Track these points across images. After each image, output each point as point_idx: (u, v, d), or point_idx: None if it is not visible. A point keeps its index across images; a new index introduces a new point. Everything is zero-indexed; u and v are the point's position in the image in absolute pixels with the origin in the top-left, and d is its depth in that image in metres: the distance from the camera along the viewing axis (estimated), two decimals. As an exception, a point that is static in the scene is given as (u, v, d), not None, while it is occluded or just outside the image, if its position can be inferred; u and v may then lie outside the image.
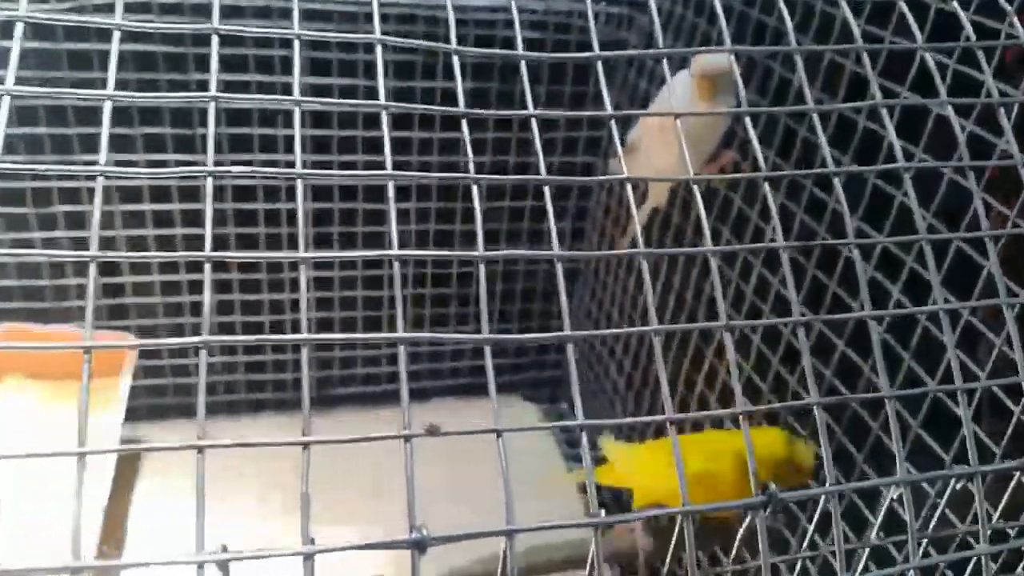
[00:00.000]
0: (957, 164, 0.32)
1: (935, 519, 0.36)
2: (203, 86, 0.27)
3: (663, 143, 0.66)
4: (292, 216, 0.83)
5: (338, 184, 0.83)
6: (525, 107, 0.30)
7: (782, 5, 0.34)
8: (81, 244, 0.80)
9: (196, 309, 0.86)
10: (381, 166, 0.27)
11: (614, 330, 0.86)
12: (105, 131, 0.26)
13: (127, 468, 0.80)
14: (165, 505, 0.77)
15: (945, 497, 0.30)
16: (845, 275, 0.52)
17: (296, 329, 0.26)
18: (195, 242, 0.81)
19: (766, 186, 0.30)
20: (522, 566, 0.49)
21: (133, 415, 0.86)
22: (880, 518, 0.32)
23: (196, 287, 0.85)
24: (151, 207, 0.80)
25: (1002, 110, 0.33)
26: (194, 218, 0.82)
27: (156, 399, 0.89)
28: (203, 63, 0.75)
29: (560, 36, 0.82)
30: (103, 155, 0.26)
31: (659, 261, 0.75)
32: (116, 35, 0.27)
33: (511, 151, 0.85)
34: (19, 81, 0.26)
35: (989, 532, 0.27)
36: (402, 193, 0.84)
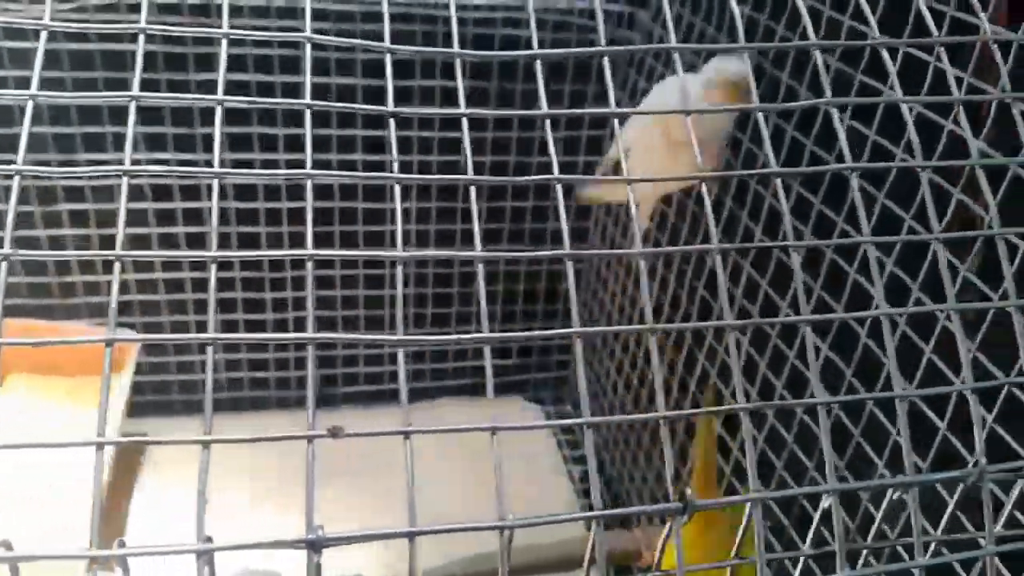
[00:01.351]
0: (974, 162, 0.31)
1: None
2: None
3: (666, 148, 0.65)
4: (293, 215, 0.84)
5: (338, 183, 0.83)
6: (526, 107, 0.30)
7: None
8: (85, 242, 0.81)
9: (200, 307, 0.87)
10: (380, 166, 0.27)
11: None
12: (130, 130, 0.26)
13: (128, 462, 0.81)
14: (166, 499, 0.78)
15: (883, 507, 0.29)
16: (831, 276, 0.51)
17: (298, 327, 0.26)
18: (199, 240, 0.83)
19: (778, 182, 0.30)
20: (516, 564, 0.49)
21: (138, 411, 0.88)
22: (813, 528, 0.31)
23: (200, 285, 0.86)
24: (153, 205, 0.82)
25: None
26: (195, 216, 0.83)
27: (161, 395, 0.91)
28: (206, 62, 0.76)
29: (559, 35, 0.81)
30: (128, 155, 0.26)
31: (656, 262, 0.75)
32: (142, 38, 0.27)
33: (511, 151, 0.85)
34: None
35: (930, 543, 0.26)
36: (402, 192, 0.84)
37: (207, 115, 0.78)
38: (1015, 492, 0.31)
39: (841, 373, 0.48)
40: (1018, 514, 0.32)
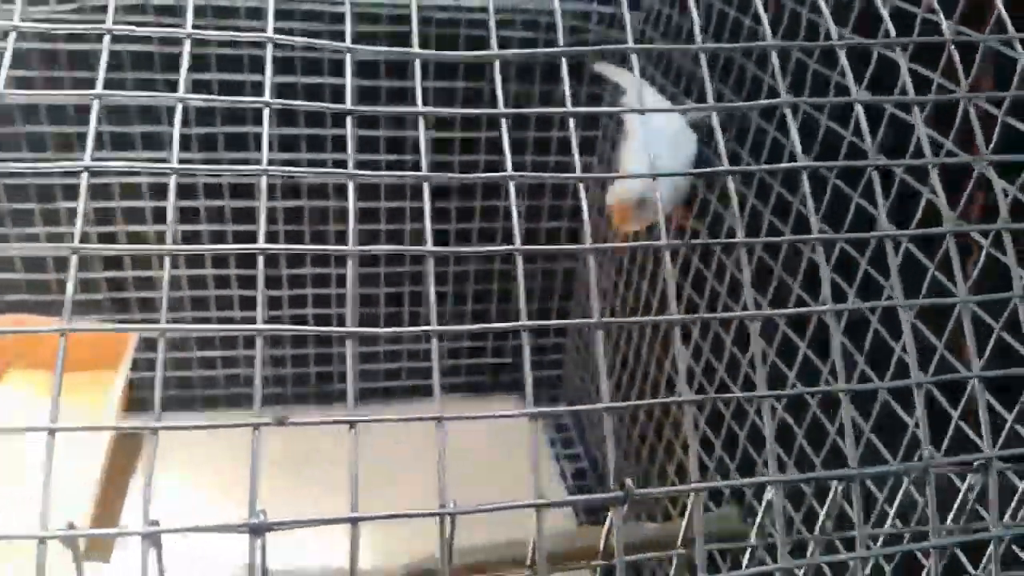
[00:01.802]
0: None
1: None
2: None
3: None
4: (321, 214, 0.86)
5: (361, 184, 0.84)
6: (519, 106, 0.31)
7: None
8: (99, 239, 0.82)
9: (197, 304, 0.88)
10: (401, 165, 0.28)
11: (637, 319, 0.85)
12: (177, 130, 0.27)
13: (124, 454, 0.82)
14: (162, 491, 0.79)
15: (829, 500, 0.30)
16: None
17: (340, 323, 0.27)
18: (195, 237, 0.84)
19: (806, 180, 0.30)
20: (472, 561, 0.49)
21: (136, 407, 0.89)
22: (758, 519, 0.32)
23: (197, 282, 0.87)
24: (205, 203, 0.83)
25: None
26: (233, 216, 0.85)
27: (182, 391, 0.92)
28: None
29: (549, 35, 0.82)
30: (175, 154, 0.27)
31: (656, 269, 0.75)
32: (107, 39, 0.28)
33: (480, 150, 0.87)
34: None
35: (872, 537, 0.27)
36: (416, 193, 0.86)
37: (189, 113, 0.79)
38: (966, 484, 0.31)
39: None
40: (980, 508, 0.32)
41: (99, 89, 0.28)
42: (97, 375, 0.81)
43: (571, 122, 0.32)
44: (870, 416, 0.45)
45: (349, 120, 0.30)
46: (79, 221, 0.27)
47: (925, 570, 0.35)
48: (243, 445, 0.25)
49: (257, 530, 0.24)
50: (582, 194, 0.32)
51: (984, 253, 0.37)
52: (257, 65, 0.75)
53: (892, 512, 0.31)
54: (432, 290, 0.28)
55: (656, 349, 0.76)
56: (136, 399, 0.88)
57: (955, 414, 0.39)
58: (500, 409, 1.04)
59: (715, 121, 0.32)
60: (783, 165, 0.32)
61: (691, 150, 0.65)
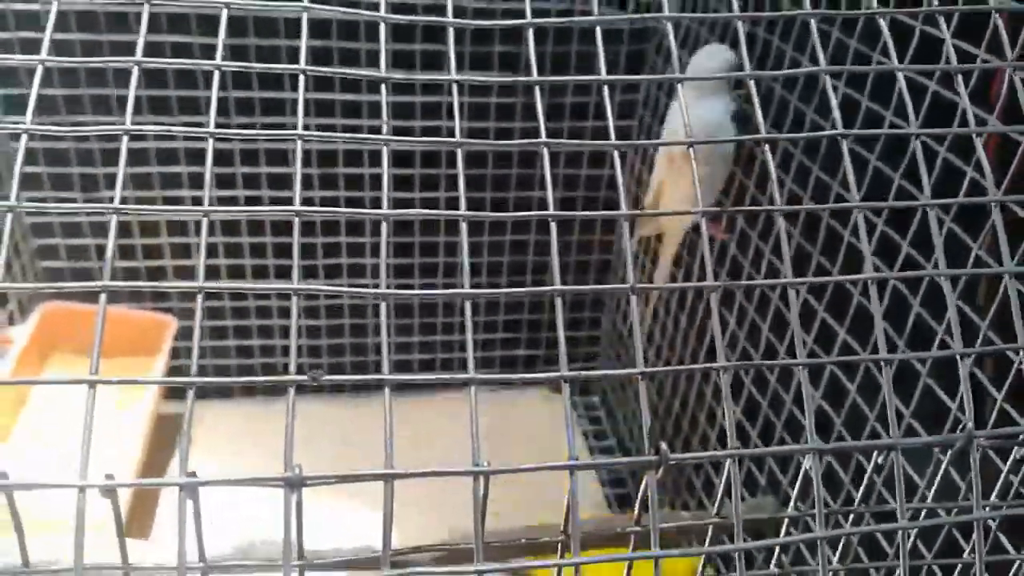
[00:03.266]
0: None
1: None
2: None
3: (676, 175, 0.68)
4: (356, 180, 0.86)
5: (396, 151, 0.84)
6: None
7: None
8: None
9: (257, 271, 0.90)
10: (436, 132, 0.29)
11: (675, 284, 0.84)
12: (215, 96, 0.28)
13: (163, 438, 0.83)
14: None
15: (803, 470, 0.29)
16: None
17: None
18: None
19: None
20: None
21: (175, 394, 0.90)
22: (795, 491, 0.31)
23: (234, 272, 0.88)
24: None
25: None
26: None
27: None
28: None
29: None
30: (212, 119, 0.28)
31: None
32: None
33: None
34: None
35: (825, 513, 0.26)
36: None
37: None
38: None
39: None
40: (1013, 478, 0.32)
41: (138, 56, 0.28)
42: (137, 361, 0.83)
43: (606, 90, 0.32)
44: (911, 399, 0.44)
45: (383, 87, 0.30)
46: (119, 183, 0.27)
47: (966, 551, 0.34)
48: (280, 432, 0.25)
49: (292, 483, 0.24)
50: (616, 163, 0.32)
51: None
52: (294, 29, 0.76)
53: (931, 494, 0.31)
54: (466, 255, 0.28)
55: (696, 321, 0.75)
56: (175, 387, 0.90)
57: (999, 396, 0.39)
58: (530, 400, 1.05)
59: (752, 88, 0.32)
60: (824, 133, 0.31)
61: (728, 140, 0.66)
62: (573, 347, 0.98)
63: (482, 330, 0.96)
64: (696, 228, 0.72)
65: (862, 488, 0.30)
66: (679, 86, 0.33)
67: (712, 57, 0.66)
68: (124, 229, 0.85)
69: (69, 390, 0.81)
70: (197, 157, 0.82)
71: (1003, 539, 0.34)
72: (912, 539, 0.33)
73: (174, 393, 0.89)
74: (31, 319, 0.82)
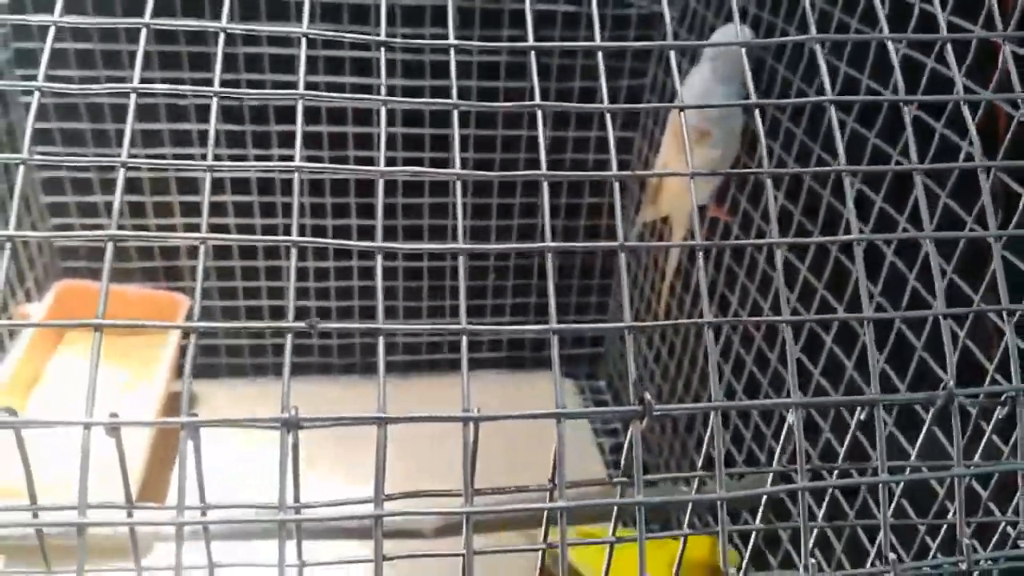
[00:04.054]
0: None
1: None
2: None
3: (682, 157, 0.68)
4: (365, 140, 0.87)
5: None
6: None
7: None
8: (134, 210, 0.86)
9: (247, 273, 0.91)
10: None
11: (662, 243, 0.84)
12: (220, 54, 0.29)
13: (176, 415, 0.85)
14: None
15: (852, 425, 0.30)
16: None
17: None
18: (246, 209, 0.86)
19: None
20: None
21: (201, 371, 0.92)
22: (779, 447, 0.32)
23: (247, 252, 0.90)
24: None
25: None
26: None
27: (209, 358, 0.95)
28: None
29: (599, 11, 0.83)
30: (218, 77, 0.29)
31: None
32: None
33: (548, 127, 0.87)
34: None
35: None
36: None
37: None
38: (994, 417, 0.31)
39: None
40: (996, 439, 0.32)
41: (147, 18, 0.29)
42: (151, 339, 0.84)
43: (599, 56, 0.33)
44: (887, 351, 0.44)
45: (383, 51, 0.31)
46: (126, 140, 0.28)
47: (950, 512, 0.35)
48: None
49: (289, 424, 0.25)
50: (609, 126, 0.32)
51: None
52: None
53: (915, 451, 0.31)
54: (460, 215, 0.29)
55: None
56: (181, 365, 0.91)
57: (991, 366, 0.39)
58: (538, 384, 1.05)
59: (745, 61, 0.33)
60: (809, 99, 0.32)
61: (738, 123, 0.66)
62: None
63: (490, 313, 0.96)
64: (701, 210, 0.73)
65: (845, 445, 0.31)
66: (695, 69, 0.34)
67: (730, 38, 0.66)
68: (134, 187, 0.85)
69: (83, 370, 0.83)
70: (206, 116, 0.82)
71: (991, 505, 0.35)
72: (896, 499, 0.34)
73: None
74: (47, 297, 0.84)
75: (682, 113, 0.32)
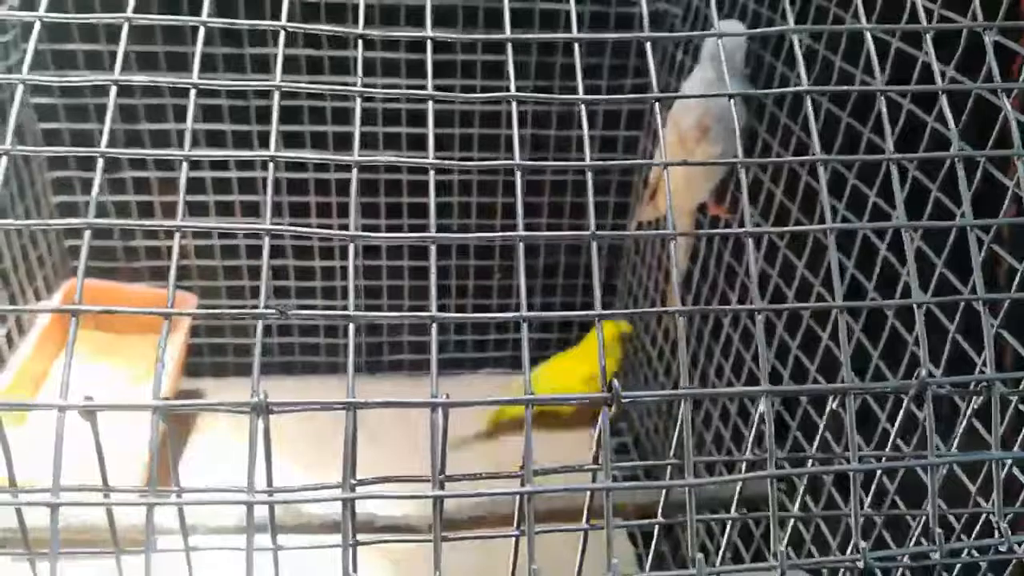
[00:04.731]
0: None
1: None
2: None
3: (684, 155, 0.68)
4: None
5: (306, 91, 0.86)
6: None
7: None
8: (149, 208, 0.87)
9: (253, 273, 0.92)
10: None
11: (652, 232, 0.84)
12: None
13: (177, 419, 0.86)
14: (218, 448, 0.82)
15: (826, 414, 0.30)
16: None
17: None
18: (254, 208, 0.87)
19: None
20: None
21: (194, 371, 0.93)
22: (751, 433, 0.32)
23: (254, 251, 0.90)
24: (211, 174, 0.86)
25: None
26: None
27: (217, 357, 0.95)
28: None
29: (599, 8, 0.83)
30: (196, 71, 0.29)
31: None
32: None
33: (551, 125, 0.88)
34: None
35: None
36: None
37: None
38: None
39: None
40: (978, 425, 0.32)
41: (129, 12, 0.30)
42: (155, 339, 0.85)
43: (575, 48, 0.33)
44: (872, 341, 0.44)
45: (360, 44, 0.32)
46: (106, 130, 0.29)
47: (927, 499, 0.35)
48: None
49: (258, 409, 0.25)
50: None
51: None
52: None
53: (893, 433, 0.31)
54: (433, 205, 0.29)
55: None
56: (192, 364, 0.92)
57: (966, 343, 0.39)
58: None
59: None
60: (789, 89, 0.32)
61: (742, 119, 0.66)
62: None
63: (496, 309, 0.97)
64: (703, 208, 0.73)
65: (817, 437, 0.31)
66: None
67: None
68: (141, 187, 0.86)
69: (90, 368, 0.84)
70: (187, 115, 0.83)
71: (967, 483, 0.35)
72: (872, 488, 0.34)
73: (191, 370, 0.92)
74: (56, 295, 0.85)
75: (670, 111, 0.32)
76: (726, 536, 0.33)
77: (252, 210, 0.88)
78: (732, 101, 0.65)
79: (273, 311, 0.27)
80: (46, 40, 0.80)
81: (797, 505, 0.33)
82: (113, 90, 0.29)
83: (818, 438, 0.31)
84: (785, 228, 0.31)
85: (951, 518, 0.34)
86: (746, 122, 0.66)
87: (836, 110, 0.53)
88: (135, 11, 0.30)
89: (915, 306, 0.29)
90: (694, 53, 0.74)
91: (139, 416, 0.25)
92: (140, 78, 0.30)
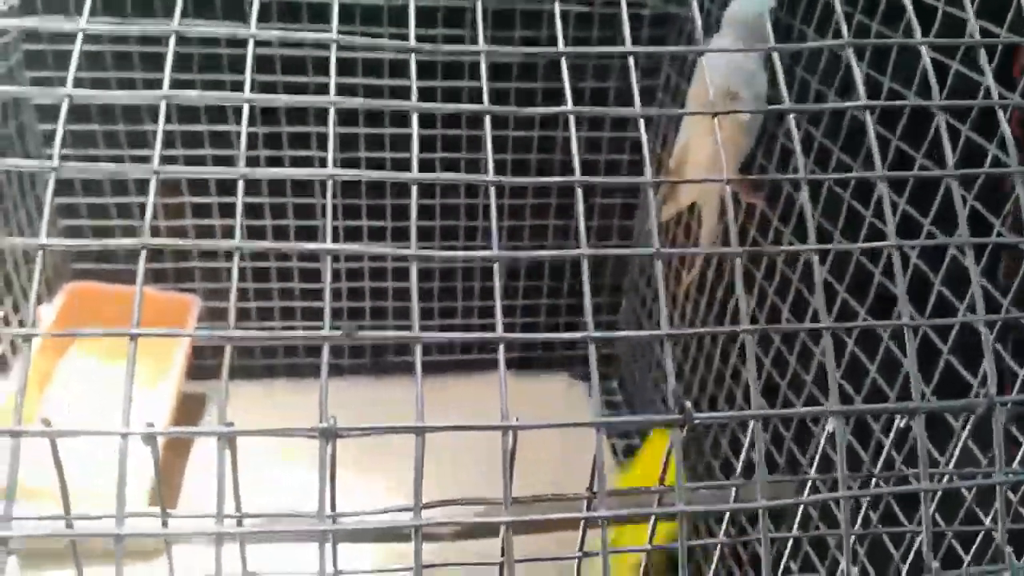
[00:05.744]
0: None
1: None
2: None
3: (704, 134, 0.65)
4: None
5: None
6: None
7: None
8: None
9: (258, 275, 0.91)
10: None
11: (697, 250, 0.83)
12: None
13: (188, 414, 0.84)
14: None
15: (892, 433, 0.30)
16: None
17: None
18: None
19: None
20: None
21: (199, 374, 0.92)
22: (818, 451, 0.32)
23: (258, 255, 0.89)
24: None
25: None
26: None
27: (243, 360, 0.95)
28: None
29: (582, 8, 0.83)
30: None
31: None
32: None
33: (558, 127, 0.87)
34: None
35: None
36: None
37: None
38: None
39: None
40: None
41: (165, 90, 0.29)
42: (163, 341, 0.84)
43: (562, 61, 0.32)
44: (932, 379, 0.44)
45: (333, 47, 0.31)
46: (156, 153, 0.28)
47: (989, 516, 0.35)
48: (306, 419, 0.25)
49: (327, 433, 0.24)
50: (642, 128, 0.32)
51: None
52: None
53: (950, 464, 0.31)
54: (414, 217, 0.29)
55: (718, 292, 0.75)
56: (198, 367, 0.91)
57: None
58: (551, 387, 1.04)
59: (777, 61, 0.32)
60: (847, 104, 0.31)
61: (763, 88, 0.63)
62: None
63: (504, 314, 0.96)
64: (736, 197, 0.69)
65: (883, 458, 0.30)
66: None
67: (749, 7, 0.62)
68: (143, 190, 0.85)
69: (92, 369, 0.83)
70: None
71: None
72: (932, 509, 0.34)
73: (198, 372, 0.91)
74: (57, 298, 0.83)
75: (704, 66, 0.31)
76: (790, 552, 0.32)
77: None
78: (756, 67, 0.63)
79: (340, 331, 0.26)
80: (46, 41, 0.78)
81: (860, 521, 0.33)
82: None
83: (883, 456, 0.31)
84: (853, 245, 0.30)
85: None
86: (767, 87, 0.63)
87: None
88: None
89: (982, 325, 0.29)
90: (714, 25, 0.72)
91: (148, 413, 0.25)
92: (192, 94, 0.29)
